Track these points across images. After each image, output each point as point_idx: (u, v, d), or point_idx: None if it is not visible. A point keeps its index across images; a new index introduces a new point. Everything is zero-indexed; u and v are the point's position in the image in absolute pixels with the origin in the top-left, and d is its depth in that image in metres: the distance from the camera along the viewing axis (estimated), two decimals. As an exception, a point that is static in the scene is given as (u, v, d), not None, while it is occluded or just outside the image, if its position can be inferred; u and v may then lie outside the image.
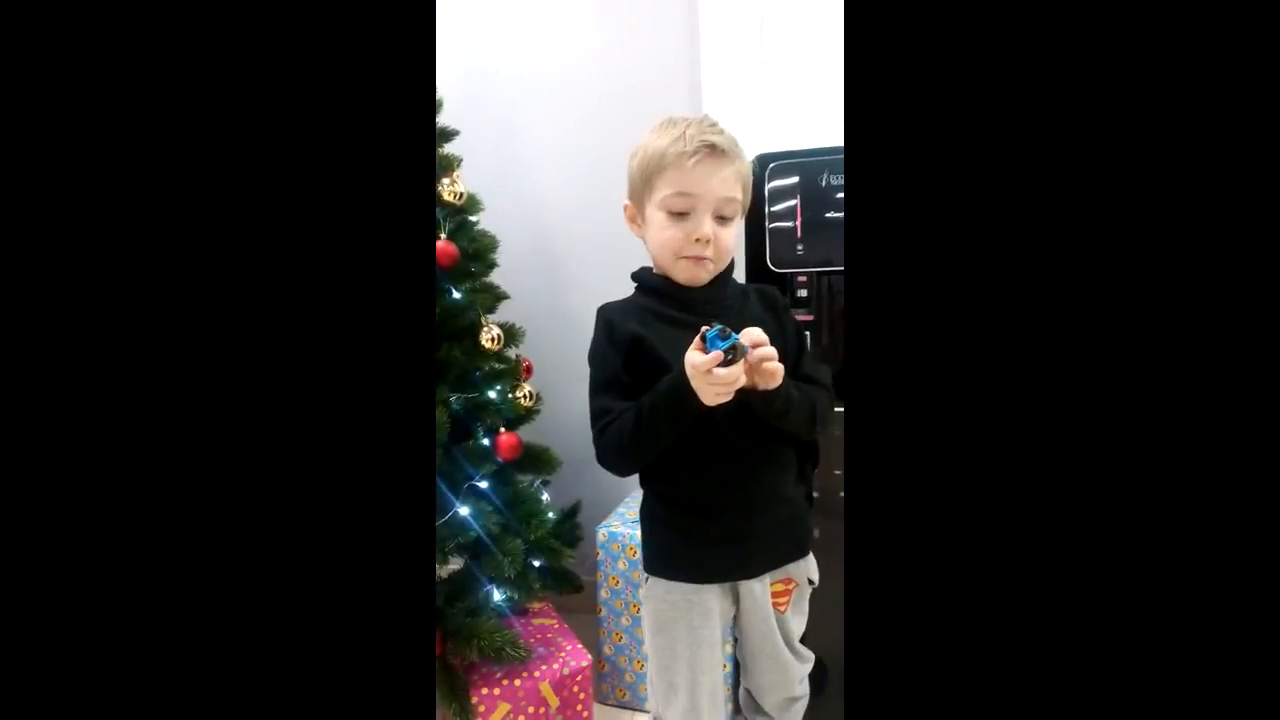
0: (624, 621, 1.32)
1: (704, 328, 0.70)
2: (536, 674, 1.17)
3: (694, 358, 0.70)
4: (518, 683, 1.14)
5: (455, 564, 1.20)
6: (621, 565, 1.30)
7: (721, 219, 0.80)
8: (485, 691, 1.11)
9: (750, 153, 0.88)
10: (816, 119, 1.41)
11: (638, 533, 1.29)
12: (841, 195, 1.07)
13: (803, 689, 0.91)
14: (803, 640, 0.91)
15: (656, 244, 0.82)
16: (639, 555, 1.28)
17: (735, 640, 0.91)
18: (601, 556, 1.32)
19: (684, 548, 0.84)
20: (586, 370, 0.83)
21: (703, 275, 0.82)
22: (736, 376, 0.69)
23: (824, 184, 1.08)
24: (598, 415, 0.80)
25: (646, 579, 0.88)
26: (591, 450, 0.81)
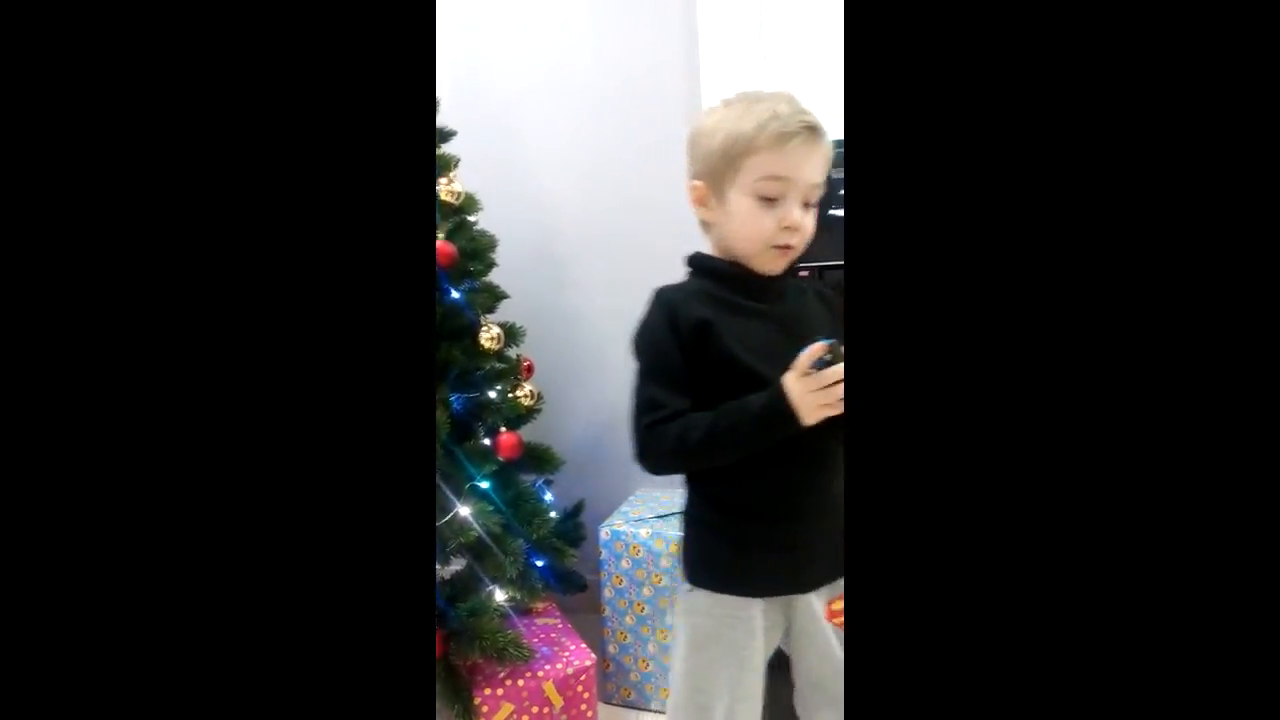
0: (628, 621, 1.31)
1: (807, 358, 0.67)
2: (540, 674, 1.16)
3: (797, 366, 0.67)
4: (521, 683, 1.14)
5: (457, 564, 1.20)
6: (625, 564, 1.30)
7: (806, 205, 0.75)
8: (489, 692, 1.11)
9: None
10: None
11: (640, 531, 1.31)
12: (844, 191, 1.06)
13: None
14: None
15: (741, 232, 0.76)
16: (643, 554, 1.30)
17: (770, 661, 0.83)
18: (605, 556, 1.31)
19: (733, 557, 0.77)
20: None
21: (784, 265, 0.78)
22: (839, 376, 0.65)
23: (827, 179, 1.07)
24: (646, 406, 0.74)
25: (690, 590, 0.79)
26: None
